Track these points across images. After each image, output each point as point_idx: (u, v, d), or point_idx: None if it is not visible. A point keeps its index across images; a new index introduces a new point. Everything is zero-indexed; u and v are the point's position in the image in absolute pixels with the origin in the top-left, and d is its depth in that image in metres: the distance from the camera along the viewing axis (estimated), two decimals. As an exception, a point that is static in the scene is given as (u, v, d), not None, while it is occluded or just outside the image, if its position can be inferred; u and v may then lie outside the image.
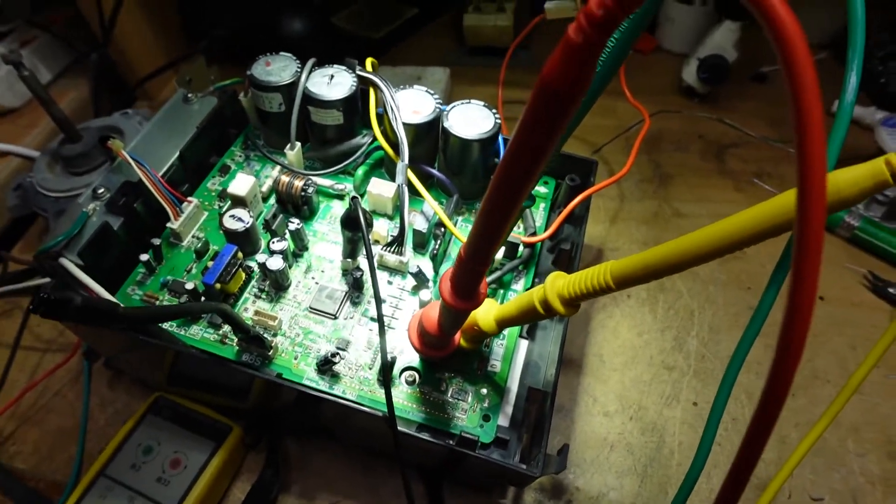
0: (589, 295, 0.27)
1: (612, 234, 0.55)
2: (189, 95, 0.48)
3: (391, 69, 0.68)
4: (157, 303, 0.40)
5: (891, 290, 0.50)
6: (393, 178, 0.46)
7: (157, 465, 0.40)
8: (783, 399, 0.17)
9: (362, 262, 0.42)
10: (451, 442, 0.34)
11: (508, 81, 0.65)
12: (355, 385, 0.37)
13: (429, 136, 0.44)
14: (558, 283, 0.29)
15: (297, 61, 0.46)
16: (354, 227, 0.37)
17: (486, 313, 0.34)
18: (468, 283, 0.26)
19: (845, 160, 0.22)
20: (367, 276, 0.41)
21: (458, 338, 0.35)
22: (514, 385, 0.39)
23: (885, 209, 0.54)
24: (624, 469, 0.42)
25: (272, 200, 0.46)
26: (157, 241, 0.41)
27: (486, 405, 0.37)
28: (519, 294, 0.38)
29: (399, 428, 0.32)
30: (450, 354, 0.36)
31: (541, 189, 0.48)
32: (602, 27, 0.14)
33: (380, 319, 0.32)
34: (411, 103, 0.44)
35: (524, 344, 0.41)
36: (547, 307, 0.29)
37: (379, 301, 0.32)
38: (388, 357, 0.36)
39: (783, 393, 0.17)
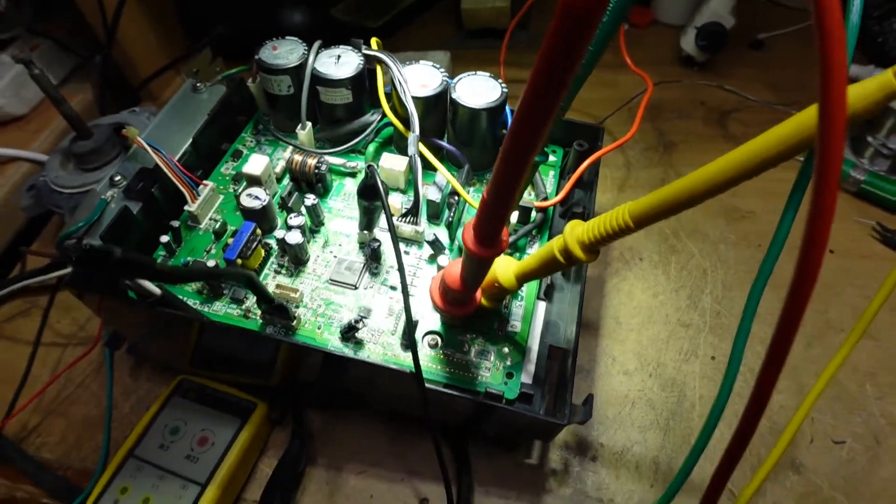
0: (608, 238, 0.28)
1: (620, 201, 0.56)
2: (198, 85, 0.49)
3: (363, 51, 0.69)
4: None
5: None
6: (403, 153, 0.46)
7: (185, 443, 0.40)
8: (799, 319, 0.18)
9: (378, 234, 0.43)
10: (478, 396, 0.35)
11: (508, 62, 0.66)
12: (379, 350, 0.38)
13: (437, 110, 0.45)
14: (577, 231, 0.29)
15: (304, 44, 0.46)
16: (372, 196, 0.38)
17: (505, 269, 0.34)
18: (491, 229, 0.27)
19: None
20: (384, 247, 0.42)
21: (479, 296, 0.36)
22: (534, 344, 0.39)
23: (889, 162, 0.54)
24: (646, 424, 0.42)
25: (286, 181, 0.46)
26: (175, 224, 0.42)
27: (508, 363, 0.38)
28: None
29: (426, 385, 0.33)
30: (471, 313, 0.36)
31: (550, 157, 0.49)
32: None
33: (401, 271, 0.33)
34: (419, 78, 0.44)
35: (542, 305, 0.42)
36: (567, 255, 0.30)
37: (400, 257, 0.33)
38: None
39: (801, 309, 0.17)
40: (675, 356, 0.45)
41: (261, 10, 0.67)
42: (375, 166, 0.36)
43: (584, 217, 0.44)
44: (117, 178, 0.42)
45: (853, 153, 0.57)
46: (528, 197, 0.46)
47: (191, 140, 0.45)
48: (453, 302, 0.35)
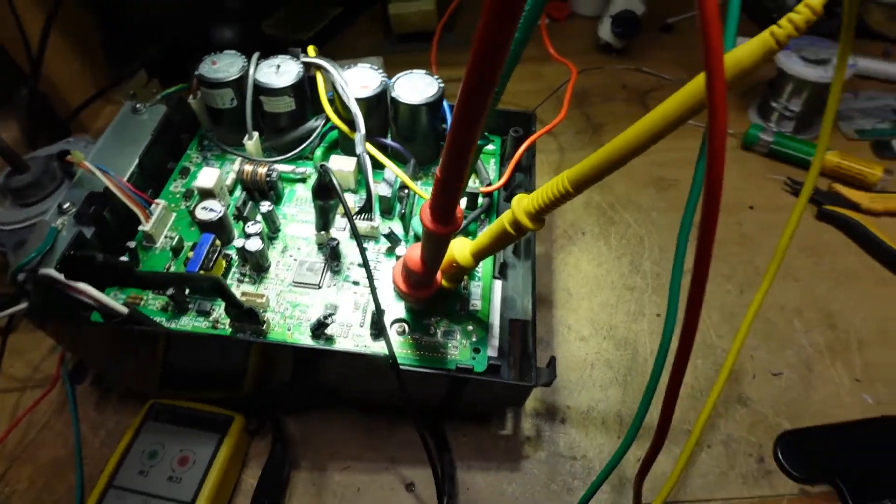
0: (552, 205, 0.31)
1: (559, 183, 0.60)
2: (138, 106, 0.49)
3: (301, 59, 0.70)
4: (142, 303, 0.41)
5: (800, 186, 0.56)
6: (350, 155, 0.48)
7: (165, 466, 0.40)
8: (710, 250, 0.21)
9: (335, 233, 0.44)
10: (451, 372, 0.37)
11: (439, 62, 0.68)
12: (350, 343, 0.39)
13: (378, 109, 0.47)
14: (524, 202, 0.32)
15: (243, 57, 0.47)
16: (327, 195, 0.39)
17: (461, 249, 0.36)
18: (447, 205, 0.29)
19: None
20: (342, 245, 0.43)
21: (440, 278, 0.38)
22: (495, 320, 0.42)
23: (794, 123, 0.60)
24: (606, 382, 0.45)
25: (238, 192, 0.47)
26: (132, 244, 0.42)
27: (474, 340, 0.40)
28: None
29: (401, 367, 0.35)
30: (433, 295, 0.38)
31: (489, 146, 0.51)
32: None
33: (365, 259, 0.34)
34: (359, 80, 0.46)
35: (498, 283, 0.44)
36: (517, 226, 0.32)
37: (361, 246, 0.35)
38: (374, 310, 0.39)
39: (710, 240, 0.20)
40: (624, 318, 0.49)
41: (191, 29, 0.67)
42: (328, 165, 0.37)
43: (528, 198, 0.47)
44: (66, 205, 0.42)
45: (761, 118, 0.63)
46: (473, 184, 0.48)
47: (137, 161, 0.46)
48: (416, 285, 0.37)
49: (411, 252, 0.36)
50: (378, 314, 0.35)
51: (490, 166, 0.50)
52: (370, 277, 0.34)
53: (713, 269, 0.51)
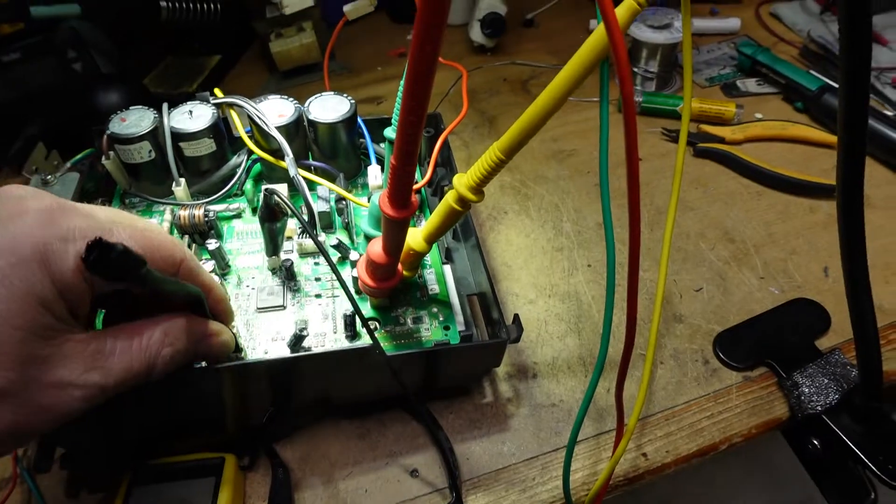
0: (489, 175, 0.35)
1: (472, 174, 0.64)
2: (48, 178, 0.48)
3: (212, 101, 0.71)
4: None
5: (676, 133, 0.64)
6: (277, 182, 0.50)
7: (166, 527, 0.39)
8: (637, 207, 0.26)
9: (284, 255, 0.46)
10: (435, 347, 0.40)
11: (332, 88, 0.71)
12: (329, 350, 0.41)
13: (298, 134, 0.49)
14: (463, 179, 0.36)
15: (151, 109, 0.48)
16: (274, 217, 0.41)
17: (414, 236, 0.40)
18: (403, 189, 0.32)
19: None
20: (297, 266, 0.45)
21: (401, 269, 0.41)
22: (454, 299, 0.45)
23: (654, 82, 0.69)
24: (562, 332, 0.50)
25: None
26: (81, 311, 0.41)
27: (441, 319, 0.43)
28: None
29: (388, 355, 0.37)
30: (397, 284, 0.41)
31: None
32: None
33: (327, 257, 0.37)
34: (273, 110, 0.48)
35: (448, 268, 0.47)
36: (462, 202, 0.36)
37: (325, 252, 0.37)
38: (346, 313, 0.41)
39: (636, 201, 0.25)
40: (561, 275, 0.54)
41: (71, 100, 0.65)
42: (273, 187, 0.39)
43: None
44: None
45: (627, 84, 0.71)
46: (402, 185, 0.51)
47: (61, 232, 0.45)
48: (382, 277, 0.40)
49: (372, 247, 0.38)
50: (355, 310, 0.37)
51: (411, 167, 0.54)
52: (340, 279, 0.36)
53: (622, 216, 0.58)
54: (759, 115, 0.67)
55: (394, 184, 0.32)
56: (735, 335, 0.49)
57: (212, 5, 0.75)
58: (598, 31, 0.28)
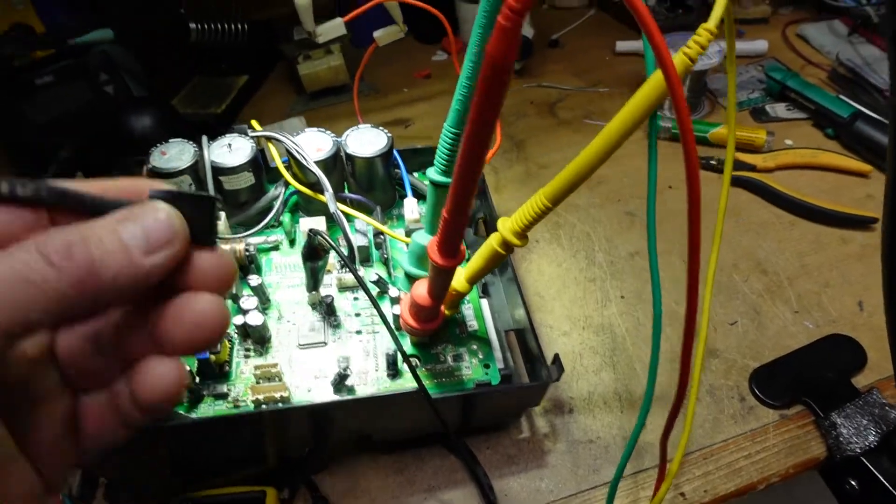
0: (534, 221, 0.35)
1: (501, 200, 0.64)
2: (88, 211, 0.48)
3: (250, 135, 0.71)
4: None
5: (712, 161, 0.64)
6: (313, 215, 0.50)
7: (208, 560, 0.40)
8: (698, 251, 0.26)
9: (325, 290, 0.46)
10: (478, 389, 0.40)
11: (362, 110, 0.72)
12: (371, 389, 0.41)
13: (335, 168, 0.49)
14: (508, 224, 0.36)
15: (190, 142, 0.48)
16: (317, 257, 0.41)
17: (457, 277, 0.40)
18: (453, 240, 0.32)
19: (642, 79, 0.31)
20: (336, 300, 0.45)
21: (442, 309, 0.41)
22: (493, 336, 0.45)
23: (683, 108, 0.68)
24: (597, 366, 0.50)
25: (214, 274, 0.48)
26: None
27: (481, 357, 0.43)
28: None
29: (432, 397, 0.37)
30: (440, 325, 0.41)
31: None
32: (522, 12, 0.22)
33: (374, 303, 0.37)
34: (311, 144, 0.48)
35: (485, 302, 0.48)
36: (506, 245, 0.36)
37: (366, 288, 0.37)
38: (388, 352, 0.41)
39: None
40: (595, 306, 0.54)
41: (105, 123, 0.66)
42: (317, 229, 0.39)
43: (489, 219, 0.51)
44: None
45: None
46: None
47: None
48: (426, 318, 0.40)
49: (416, 290, 0.38)
50: (398, 349, 0.37)
51: (445, 198, 0.54)
52: (382, 316, 0.36)
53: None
54: (789, 142, 0.67)
55: (445, 235, 0.32)
56: (771, 372, 0.48)
57: (239, 25, 0.75)
58: (651, 82, 0.29)
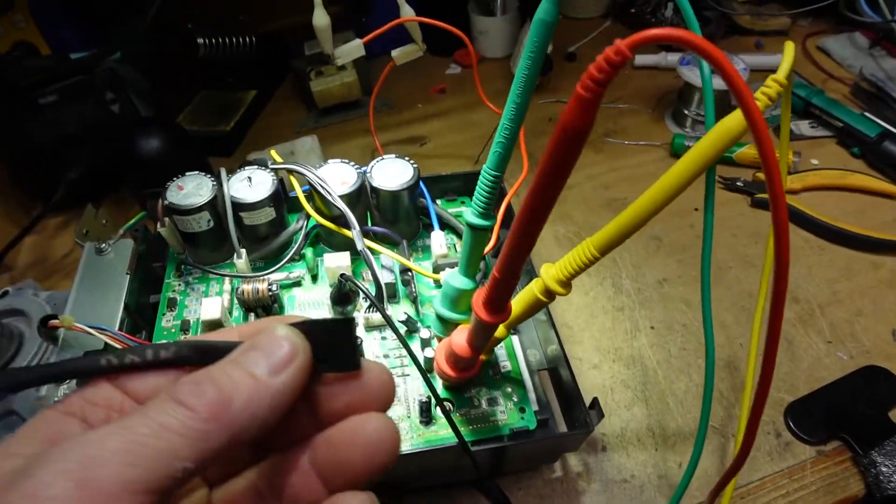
0: (580, 271, 0.33)
1: (522, 223, 0.63)
2: (102, 246, 0.47)
3: (261, 153, 0.69)
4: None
5: (738, 183, 0.63)
6: (336, 249, 0.49)
7: None
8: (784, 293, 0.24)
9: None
10: (516, 440, 0.38)
11: (377, 127, 0.70)
12: (406, 438, 0.40)
13: (360, 201, 0.48)
14: (552, 271, 0.34)
15: (208, 176, 0.47)
16: (347, 301, 0.40)
17: (495, 324, 0.38)
18: (502, 298, 0.31)
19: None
20: (364, 341, 0.44)
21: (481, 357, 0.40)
22: (527, 377, 0.44)
23: (706, 126, 0.67)
24: (629, 401, 0.49)
25: (235, 311, 0.46)
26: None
27: (515, 400, 0.42)
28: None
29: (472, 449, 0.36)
30: (477, 373, 0.40)
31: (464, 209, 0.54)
32: (604, 83, 0.20)
33: (407, 347, 0.35)
34: (335, 177, 0.47)
35: (516, 339, 0.46)
36: (548, 294, 0.34)
37: (397, 330, 0.35)
38: (421, 399, 0.40)
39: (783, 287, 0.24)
40: (624, 337, 0.53)
41: (111, 143, 0.64)
42: (348, 275, 0.38)
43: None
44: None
45: (678, 126, 0.70)
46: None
47: (122, 306, 0.44)
48: (463, 368, 0.38)
49: (455, 339, 0.37)
50: (432, 393, 0.36)
51: (470, 227, 0.53)
52: (414, 359, 0.35)
53: (681, 273, 0.57)
54: (814, 162, 0.66)
55: (494, 293, 0.31)
56: (806, 406, 0.47)
57: (247, 39, 0.73)
58: (711, 136, 0.28)
